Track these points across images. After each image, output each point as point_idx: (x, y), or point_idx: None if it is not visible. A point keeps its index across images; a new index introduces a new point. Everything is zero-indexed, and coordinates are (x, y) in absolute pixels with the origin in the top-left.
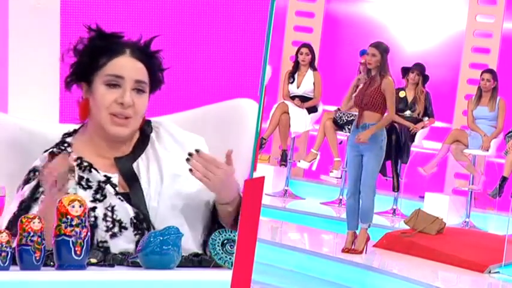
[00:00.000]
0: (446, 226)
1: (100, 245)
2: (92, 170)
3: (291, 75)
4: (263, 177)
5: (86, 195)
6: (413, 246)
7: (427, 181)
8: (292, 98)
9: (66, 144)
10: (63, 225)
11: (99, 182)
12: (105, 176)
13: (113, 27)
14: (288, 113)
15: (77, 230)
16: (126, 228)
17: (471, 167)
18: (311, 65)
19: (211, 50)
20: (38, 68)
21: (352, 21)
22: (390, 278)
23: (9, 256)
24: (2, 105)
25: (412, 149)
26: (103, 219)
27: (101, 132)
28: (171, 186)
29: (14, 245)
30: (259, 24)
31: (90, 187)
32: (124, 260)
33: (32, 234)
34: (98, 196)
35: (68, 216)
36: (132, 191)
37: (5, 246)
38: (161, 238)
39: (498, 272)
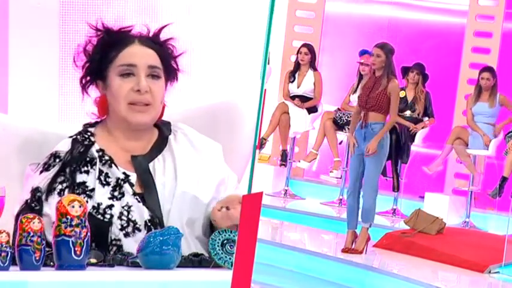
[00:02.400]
0: (446, 226)
1: (114, 242)
2: (112, 165)
3: (292, 75)
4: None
5: (104, 192)
6: (413, 246)
7: (427, 181)
8: (292, 98)
9: (89, 133)
10: (63, 225)
11: (117, 179)
12: (124, 173)
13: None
14: (288, 113)
15: (77, 230)
16: (139, 230)
17: (472, 167)
18: (311, 65)
19: (211, 50)
20: (38, 68)
21: (352, 21)
22: (390, 278)
23: (9, 256)
24: (2, 105)
25: (412, 148)
26: (118, 217)
27: (122, 124)
28: (186, 190)
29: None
30: (259, 24)
31: (108, 183)
32: (124, 260)
33: (31, 234)
34: (116, 194)
35: (68, 217)
36: (147, 192)
37: (5, 246)
38: (161, 238)
39: (498, 272)
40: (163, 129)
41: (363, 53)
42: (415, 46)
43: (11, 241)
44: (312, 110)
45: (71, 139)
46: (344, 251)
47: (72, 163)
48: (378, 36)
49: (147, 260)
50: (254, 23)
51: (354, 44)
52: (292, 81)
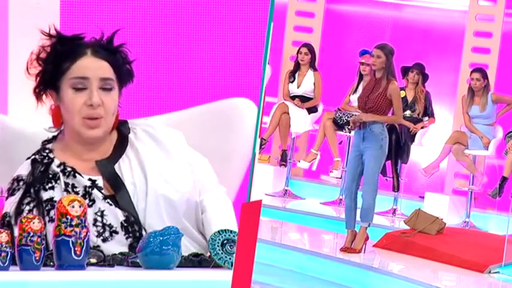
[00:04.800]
0: (446, 226)
1: (93, 251)
2: (76, 174)
3: (292, 75)
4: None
5: None
6: (413, 246)
7: (427, 181)
8: (292, 98)
9: (47, 151)
10: (62, 225)
11: (85, 186)
12: (89, 179)
13: (113, 27)
14: (288, 113)
15: (77, 230)
16: (117, 233)
17: (472, 166)
18: (311, 65)
19: (211, 50)
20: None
21: (352, 21)
22: (390, 278)
23: (9, 256)
24: (2, 105)
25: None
26: (93, 224)
27: (77, 136)
28: (156, 186)
29: None
30: (259, 24)
31: (77, 193)
32: (124, 260)
33: (31, 234)
34: (87, 201)
35: (68, 217)
36: (119, 194)
37: (5, 247)
38: (161, 238)
39: (498, 272)
40: (121, 130)
41: (363, 53)
42: (415, 46)
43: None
44: (312, 110)
45: (29, 160)
46: (343, 249)
47: (35, 184)
48: (378, 36)
49: (147, 260)
50: (254, 23)
51: (354, 44)
52: (292, 81)
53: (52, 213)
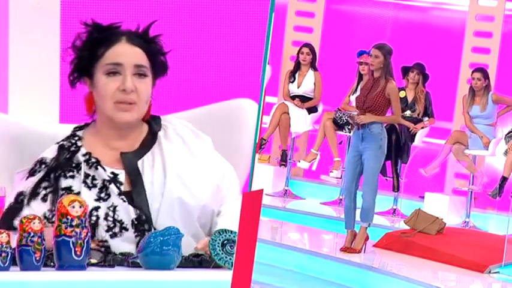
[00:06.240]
0: (446, 226)
1: (100, 244)
2: (99, 167)
3: (292, 75)
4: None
5: (90, 195)
6: (413, 246)
7: (427, 181)
8: (293, 98)
9: (76, 138)
10: (63, 225)
11: (103, 180)
12: (112, 173)
13: None
14: (288, 113)
15: (77, 230)
16: (126, 229)
17: (472, 166)
18: (312, 65)
19: (211, 50)
20: (38, 67)
21: (352, 21)
22: (390, 278)
23: (9, 256)
24: (2, 105)
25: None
26: (104, 218)
27: (108, 122)
28: (174, 189)
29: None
30: (259, 24)
31: (94, 186)
32: (124, 260)
33: (32, 234)
34: (103, 195)
35: (68, 217)
36: (135, 190)
37: (5, 247)
38: (161, 238)
39: (498, 272)
40: (152, 125)
41: (362, 53)
42: (415, 46)
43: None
44: (312, 110)
45: (57, 146)
46: (342, 249)
47: (57, 169)
48: (378, 36)
49: (147, 260)
50: (254, 23)
51: (354, 44)
52: (293, 81)
53: None
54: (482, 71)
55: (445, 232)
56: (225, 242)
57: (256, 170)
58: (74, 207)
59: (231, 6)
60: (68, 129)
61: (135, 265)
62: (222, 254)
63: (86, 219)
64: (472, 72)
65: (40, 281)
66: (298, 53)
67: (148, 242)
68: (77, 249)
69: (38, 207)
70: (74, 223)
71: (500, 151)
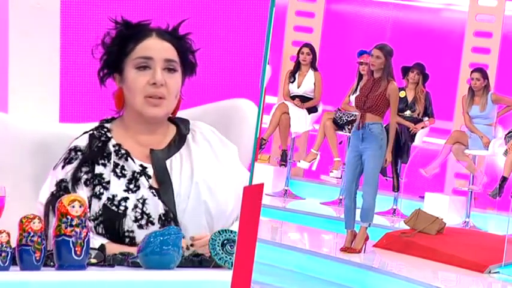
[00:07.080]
0: (446, 226)
1: (127, 234)
2: (129, 158)
3: (292, 75)
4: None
5: (119, 184)
6: (413, 246)
7: (427, 181)
8: (293, 98)
9: (105, 129)
10: (63, 225)
11: (133, 172)
12: (141, 165)
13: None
14: (288, 113)
15: (77, 230)
16: (153, 224)
17: (472, 166)
18: (312, 65)
19: (211, 50)
20: (38, 67)
21: (352, 21)
22: (390, 278)
23: (9, 256)
24: (2, 105)
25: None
26: (132, 209)
27: (138, 117)
28: (200, 192)
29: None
30: (259, 24)
31: (124, 175)
32: (124, 260)
33: (32, 234)
34: (132, 186)
35: (68, 217)
36: (163, 188)
37: (5, 246)
38: (161, 238)
39: (498, 272)
40: (181, 127)
41: (362, 53)
42: (415, 46)
43: (14, 240)
44: (312, 110)
45: (87, 134)
46: (342, 249)
47: (92, 156)
48: (378, 36)
49: (147, 260)
50: (254, 23)
51: (354, 44)
52: (293, 81)
53: (97, 189)
54: (481, 71)
55: (445, 232)
56: (225, 241)
57: (256, 170)
58: (73, 206)
59: (231, 6)
60: (68, 129)
61: (135, 265)
62: (222, 253)
63: (85, 219)
64: (471, 72)
65: (40, 280)
66: (298, 53)
67: (148, 242)
68: (77, 249)
69: (81, 192)
70: (73, 223)
71: (500, 150)
